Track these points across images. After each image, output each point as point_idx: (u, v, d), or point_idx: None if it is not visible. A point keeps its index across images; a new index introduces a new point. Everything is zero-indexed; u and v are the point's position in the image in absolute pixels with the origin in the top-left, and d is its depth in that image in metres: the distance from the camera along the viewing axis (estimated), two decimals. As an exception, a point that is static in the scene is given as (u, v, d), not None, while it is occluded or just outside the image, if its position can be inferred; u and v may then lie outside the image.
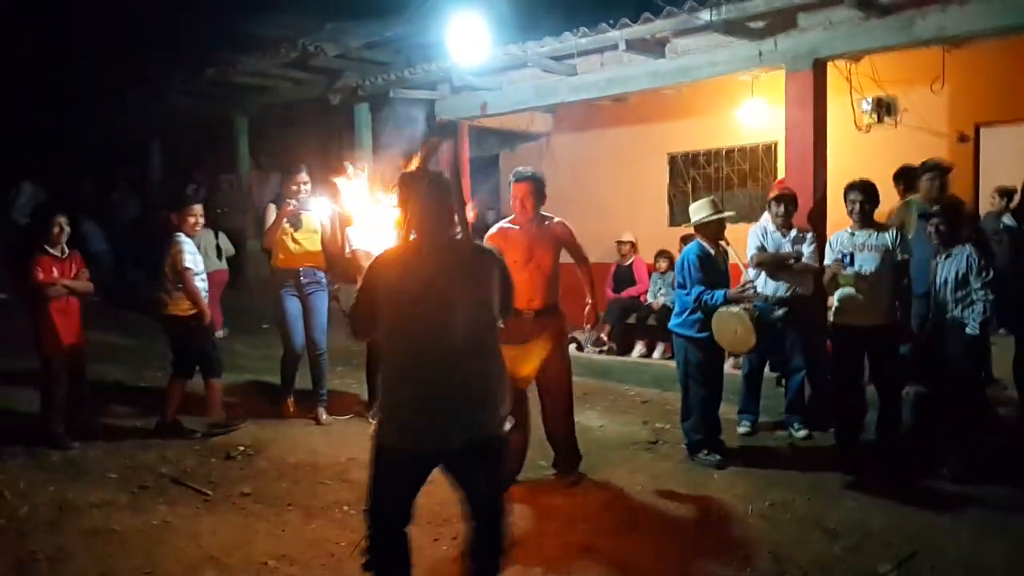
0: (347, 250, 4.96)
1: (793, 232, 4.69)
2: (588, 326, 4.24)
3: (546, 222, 3.88)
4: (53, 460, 4.13)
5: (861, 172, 4.37)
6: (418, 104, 7.10)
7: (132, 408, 5.10)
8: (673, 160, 7.68)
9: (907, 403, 4.25)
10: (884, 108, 6.22)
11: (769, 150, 6.97)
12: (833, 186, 4.92)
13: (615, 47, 5.40)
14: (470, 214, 3.25)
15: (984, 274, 3.79)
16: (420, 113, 6.93)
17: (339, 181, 3.95)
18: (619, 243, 7.10)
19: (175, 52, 9.00)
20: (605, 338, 6.85)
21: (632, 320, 6.82)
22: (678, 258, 4.48)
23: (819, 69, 4.95)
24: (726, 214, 4.33)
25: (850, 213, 4.25)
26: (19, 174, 9.09)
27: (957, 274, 3.84)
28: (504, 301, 2.43)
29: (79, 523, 3.40)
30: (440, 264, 2.31)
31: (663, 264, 6.80)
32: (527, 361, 3.33)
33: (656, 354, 6.58)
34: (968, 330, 3.80)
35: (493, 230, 3.93)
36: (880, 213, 4.43)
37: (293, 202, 4.84)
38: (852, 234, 4.23)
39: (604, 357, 6.71)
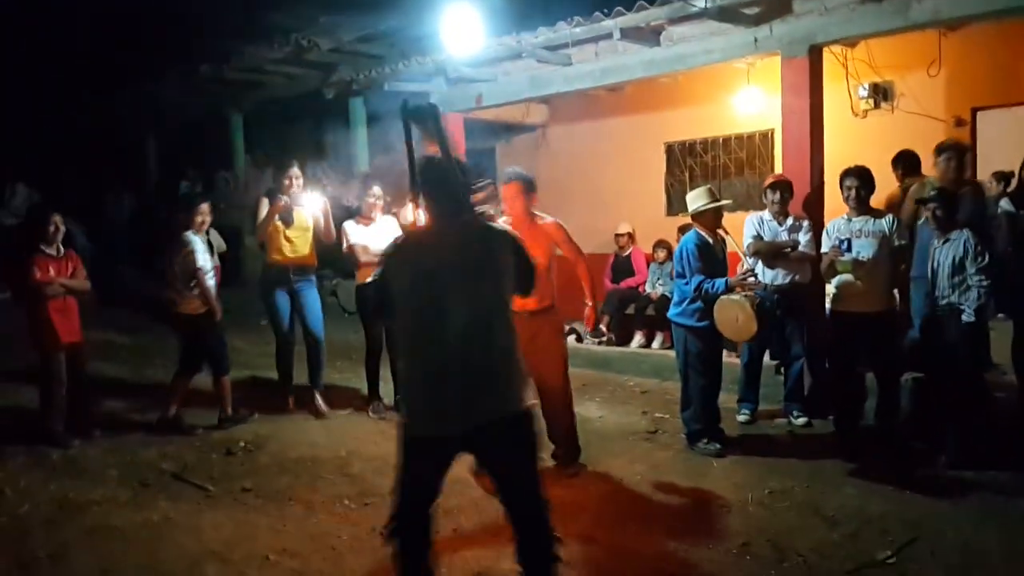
0: (344, 245, 4.97)
1: (789, 220, 4.68)
2: (588, 329, 4.24)
3: (539, 221, 3.86)
4: (53, 458, 4.14)
5: (858, 158, 4.35)
6: (413, 97, 7.07)
7: (132, 405, 5.11)
8: (670, 149, 7.65)
9: (906, 390, 4.25)
10: (881, 93, 6.19)
11: (766, 137, 6.95)
12: (830, 173, 4.89)
13: (610, 36, 5.37)
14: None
15: (980, 259, 3.77)
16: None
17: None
18: (617, 235, 7.09)
19: (169, 49, 8.96)
20: (604, 329, 6.85)
21: (631, 311, 6.83)
22: (676, 248, 4.47)
23: (815, 55, 4.92)
24: (723, 202, 4.31)
25: (846, 199, 4.23)
26: (14, 175, 9.08)
27: (954, 259, 3.84)
28: (520, 279, 2.39)
29: (80, 520, 3.40)
30: (441, 248, 2.31)
31: (661, 254, 6.79)
32: None
33: (655, 344, 6.59)
34: (964, 317, 3.79)
35: None
36: (877, 200, 4.43)
37: (284, 197, 4.84)
38: (849, 220, 4.22)
39: (603, 348, 6.71)
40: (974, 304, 3.77)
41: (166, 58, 8.93)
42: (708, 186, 4.42)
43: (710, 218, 4.20)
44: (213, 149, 9.67)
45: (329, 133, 8.81)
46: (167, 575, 2.96)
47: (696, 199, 4.23)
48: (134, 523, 3.38)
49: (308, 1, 8.03)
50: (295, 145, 8.58)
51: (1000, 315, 4.72)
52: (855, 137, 6.04)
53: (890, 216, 4.23)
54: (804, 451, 4.18)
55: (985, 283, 3.76)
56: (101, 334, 6.49)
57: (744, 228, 4.74)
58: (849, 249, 4.13)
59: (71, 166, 9.68)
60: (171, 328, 4.74)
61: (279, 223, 4.87)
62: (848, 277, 4.12)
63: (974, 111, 5.99)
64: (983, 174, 5.86)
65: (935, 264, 3.93)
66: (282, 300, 4.95)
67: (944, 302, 3.88)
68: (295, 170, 4.93)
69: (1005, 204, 4.53)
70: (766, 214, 4.75)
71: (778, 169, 5.93)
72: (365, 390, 5.17)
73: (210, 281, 4.58)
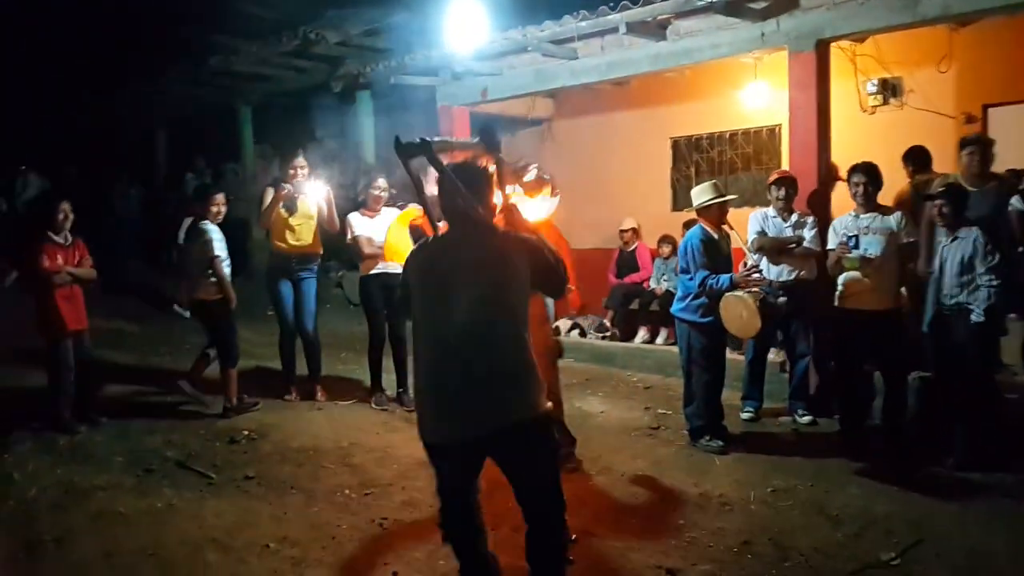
0: (348, 237, 4.99)
1: (794, 217, 4.65)
2: (574, 311, 4.32)
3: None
4: (60, 444, 4.18)
5: (866, 155, 4.32)
6: (419, 91, 7.09)
7: (138, 392, 5.16)
8: (676, 144, 7.61)
9: (912, 389, 4.20)
10: (889, 89, 6.12)
11: (773, 133, 6.89)
12: (839, 169, 4.86)
13: (616, 30, 5.34)
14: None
15: (990, 258, 3.70)
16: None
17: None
18: (621, 231, 7.07)
19: (177, 42, 9.00)
20: (608, 324, 6.84)
21: (635, 306, 6.80)
22: (681, 243, 4.45)
23: (822, 50, 4.88)
24: (728, 197, 4.29)
25: (854, 196, 4.20)
26: (26, 167, 9.17)
27: (963, 258, 3.76)
28: (546, 281, 2.41)
29: (85, 505, 3.44)
30: (450, 254, 2.33)
31: (666, 249, 6.77)
32: None
33: (659, 340, 6.56)
34: (973, 317, 3.71)
35: None
36: (884, 196, 4.38)
37: (287, 186, 4.87)
38: (856, 217, 4.18)
39: (607, 343, 6.70)
40: (983, 304, 3.69)
41: (166, 57, 8.98)
42: (714, 181, 4.39)
43: (715, 213, 4.18)
44: (221, 141, 9.72)
45: (336, 125, 8.84)
46: (169, 560, 2.99)
47: (701, 194, 4.21)
48: (138, 509, 3.41)
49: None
50: (302, 137, 8.61)
51: (1011, 315, 4.65)
52: (864, 133, 5.98)
53: (898, 213, 4.19)
54: (808, 449, 4.14)
55: (995, 283, 3.68)
56: (109, 322, 6.55)
57: (748, 224, 4.72)
58: (856, 246, 4.10)
59: (73, 165, 9.73)
60: (192, 315, 4.86)
61: (283, 211, 4.91)
62: (855, 274, 4.08)
63: (985, 107, 5.91)
64: (995, 171, 5.79)
65: (942, 262, 3.88)
66: (286, 290, 5.01)
67: (952, 301, 3.82)
68: (300, 159, 4.98)
69: (1016, 202, 4.48)
70: (770, 210, 4.72)
71: (785, 165, 5.89)
72: (368, 381, 5.19)
73: (226, 269, 4.67)
